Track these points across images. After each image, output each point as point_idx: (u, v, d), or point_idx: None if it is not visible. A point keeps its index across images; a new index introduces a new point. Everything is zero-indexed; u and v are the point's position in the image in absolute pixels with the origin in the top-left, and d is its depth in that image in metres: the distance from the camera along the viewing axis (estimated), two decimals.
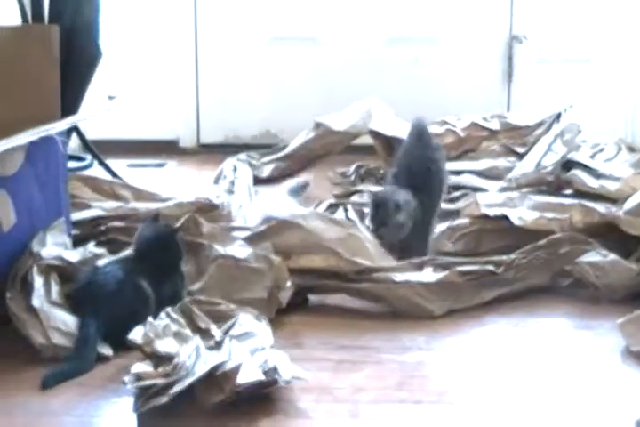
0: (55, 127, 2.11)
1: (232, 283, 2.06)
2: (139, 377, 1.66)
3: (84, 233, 2.30)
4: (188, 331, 1.80)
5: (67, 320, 1.91)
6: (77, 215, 2.34)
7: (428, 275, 2.19)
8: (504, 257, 2.25)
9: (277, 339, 1.84)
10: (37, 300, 1.92)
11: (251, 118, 3.81)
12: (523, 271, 2.23)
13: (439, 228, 2.42)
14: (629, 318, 1.95)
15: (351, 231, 2.23)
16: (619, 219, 2.35)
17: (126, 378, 1.66)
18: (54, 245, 2.07)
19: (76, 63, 2.79)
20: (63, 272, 2.03)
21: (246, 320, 1.85)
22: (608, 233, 2.35)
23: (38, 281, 1.96)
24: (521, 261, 2.24)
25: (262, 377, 1.66)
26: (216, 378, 1.65)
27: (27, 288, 1.96)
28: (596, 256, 2.23)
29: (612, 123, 3.62)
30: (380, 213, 2.27)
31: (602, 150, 2.91)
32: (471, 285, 2.19)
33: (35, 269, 1.98)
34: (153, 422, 1.61)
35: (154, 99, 3.82)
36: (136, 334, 1.77)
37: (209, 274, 2.09)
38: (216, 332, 1.81)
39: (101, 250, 2.13)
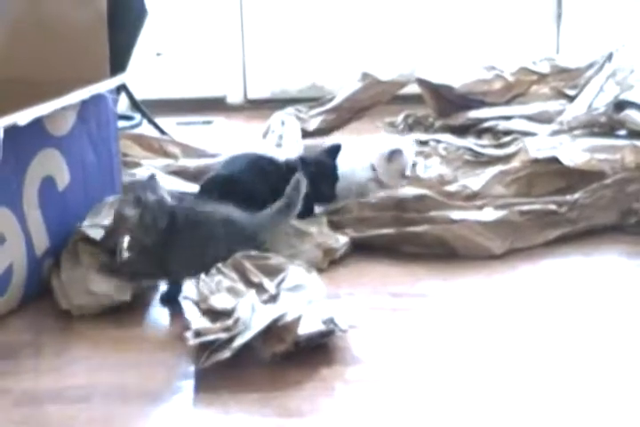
0: (106, 85, 2.12)
1: (284, 238, 2.07)
2: (199, 333, 1.66)
3: None
4: (241, 285, 1.80)
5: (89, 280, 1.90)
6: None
7: (488, 214, 2.18)
8: (567, 197, 2.23)
9: (330, 288, 1.84)
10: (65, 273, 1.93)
11: (296, 72, 3.79)
12: (587, 210, 2.21)
13: (490, 172, 2.39)
14: None
15: None
16: None
17: (187, 334, 1.66)
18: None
19: (123, 22, 2.79)
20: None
21: (297, 273, 1.84)
22: None
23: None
24: (585, 200, 2.22)
25: (322, 327, 1.68)
26: (276, 330, 1.65)
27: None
28: None
29: None
30: None
31: None
32: (533, 224, 2.17)
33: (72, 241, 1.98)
34: (214, 374, 1.62)
35: (200, 56, 3.82)
36: (190, 291, 1.78)
37: None
38: (269, 285, 1.80)
39: None
